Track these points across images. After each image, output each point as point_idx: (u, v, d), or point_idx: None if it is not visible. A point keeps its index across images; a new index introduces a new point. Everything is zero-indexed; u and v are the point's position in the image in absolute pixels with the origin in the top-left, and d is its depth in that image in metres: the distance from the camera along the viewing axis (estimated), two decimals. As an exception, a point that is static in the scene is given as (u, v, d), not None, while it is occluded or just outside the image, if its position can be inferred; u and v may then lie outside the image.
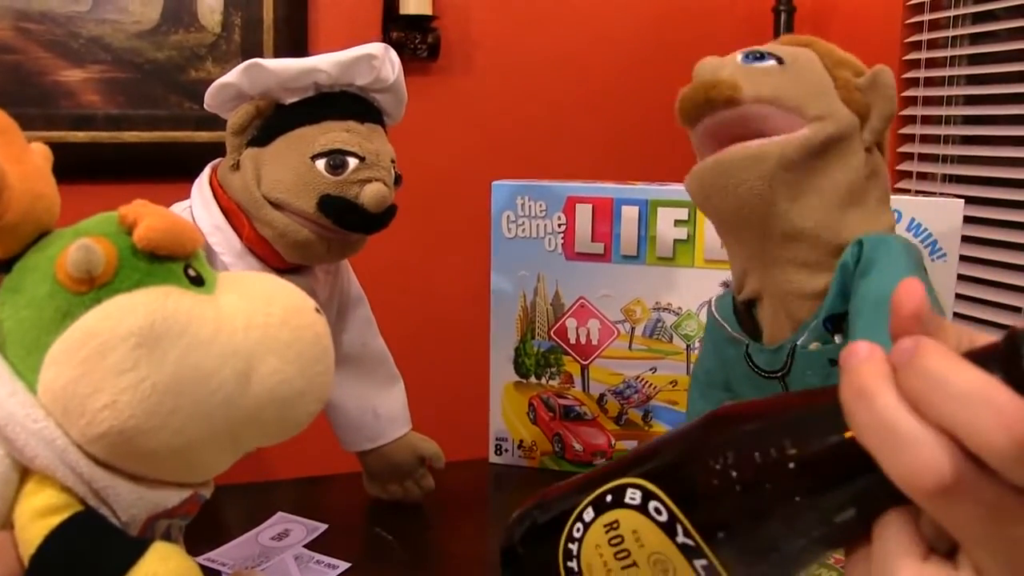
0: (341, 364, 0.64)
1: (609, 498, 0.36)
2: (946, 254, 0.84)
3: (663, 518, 0.34)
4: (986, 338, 0.29)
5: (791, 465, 0.30)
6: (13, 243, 0.46)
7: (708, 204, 0.63)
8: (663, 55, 1.71)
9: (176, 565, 0.45)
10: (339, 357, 0.53)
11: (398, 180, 0.76)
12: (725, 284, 0.89)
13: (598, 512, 0.36)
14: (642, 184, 0.95)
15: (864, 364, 0.28)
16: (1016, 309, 1.42)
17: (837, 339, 0.59)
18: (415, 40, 1.55)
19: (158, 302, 0.44)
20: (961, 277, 1.41)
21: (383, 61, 0.73)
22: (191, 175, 0.77)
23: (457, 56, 1.64)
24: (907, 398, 0.27)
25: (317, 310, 0.50)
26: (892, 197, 0.64)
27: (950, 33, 1.57)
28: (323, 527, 0.80)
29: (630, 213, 0.92)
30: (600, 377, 0.95)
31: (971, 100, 1.58)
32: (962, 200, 0.84)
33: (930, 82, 1.62)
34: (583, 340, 0.95)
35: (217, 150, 0.76)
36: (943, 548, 0.28)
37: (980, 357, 0.26)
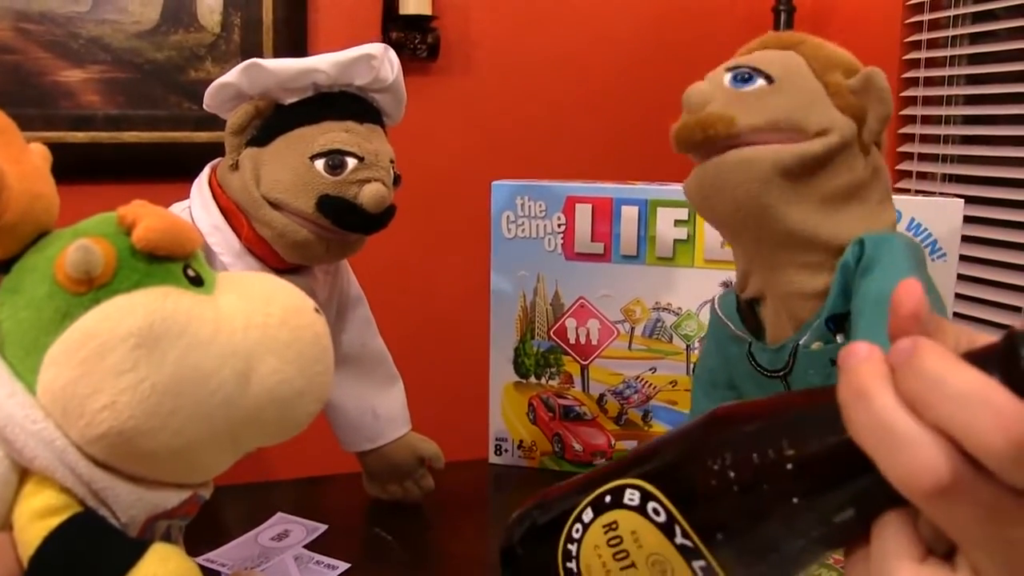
0: (340, 364, 0.64)
1: (608, 499, 0.36)
2: (946, 254, 0.84)
3: (661, 519, 0.34)
4: (985, 338, 0.29)
5: (789, 466, 0.30)
6: (12, 243, 0.46)
7: (706, 208, 0.63)
8: (663, 55, 1.71)
9: (176, 566, 0.45)
10: (338, 357, 0.53)
11: (397, 180, 0.76)
12: (725, 284, 0.89)
13: (597, 513, 0.36)
14: (642, 184, 0.95)
15: (862, 364, 0.28)
16: (1016, 309, 1.42)
17: (839, 339, 0.59)
18: (415, 40, 1.55)
19: (157, 303, 0.44)
20: (961, 277, 1.41)
21: (382, 61, 0.73)
22: (190, 175, 0.77)
23: (457, 56, 1.64)
24: (905, 399, 0.27)
25: (316, 310, 0.50)
26: (892, 197, 0.64)
27: (950, 33, 1.57)
28: (323, 528, 0.80)
29: (630, 213, 0.92)
30: (600, 377, 0.96)
31: (971, 100, 1.58)
32: (962, 200, 0.84)
33: (930, 82, 1.62)
34: (583, 340, 0.95)
35: (216, 150, 0.76)
36: (941, 549, 0.28)
37: (978, 358, 0.26)
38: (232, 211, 0.73)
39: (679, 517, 0.33)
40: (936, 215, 0.84)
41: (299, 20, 1.52)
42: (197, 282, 0.47)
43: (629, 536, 0.35)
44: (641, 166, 1.47)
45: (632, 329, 0.94)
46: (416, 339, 1.51)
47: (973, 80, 1.57)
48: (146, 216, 0.45)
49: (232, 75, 0.71)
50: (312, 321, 0.49)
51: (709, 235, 0.90)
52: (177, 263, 0.46)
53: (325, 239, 0.73)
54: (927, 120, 1.63)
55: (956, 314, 1.45)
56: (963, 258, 1.31)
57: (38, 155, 0.48)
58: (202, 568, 0.47)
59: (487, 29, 1.65)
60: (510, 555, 0.41)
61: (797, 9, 1.68)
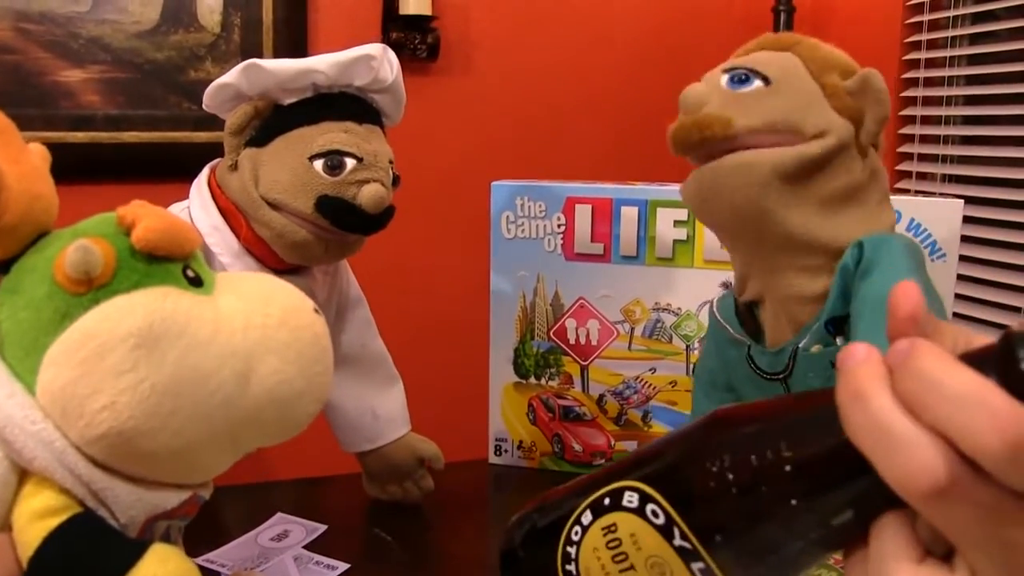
0: (340, 365, 0.64)
1: (607, 501, 0.36)
2: (946, 254, 0.84)
3: (660, 521, 0.34)
4: (984, 339, 0.29)
5: (787, 468, 0.30)
6: (11, 244, 0.46)
7: (704, 212, 0.63)
8: (662, 55, 1.71)
9: (175, 566, 0.45)
10: (338, 358, 0.53)
11: (396, 181, 0.76)
12: (725, 284, 0.89)
13: (596, 515, 0.36)
14: (641, 184, 0.95)
15: (860, 366, 0.28)
16: (1016, 309, 1.42)
17: (839, 341, 0.59)
18: (415, 40, 1.55)
19: (157, 303, 0.44)
20: (961, 277, 1.41)
21: (381, 62, 0.73)
22: (190, 175, 0.77)
23: (457, 56, 1.64)
24: (902, 400, 0.27)
25: (316, 310, 0.50)
26: (891, 198, 0.64)
27: (950, 33, 1.57)
28: (322, 528, 0.80)
29: (629, 213, 0.92)
30: (599, 378, 0.96)
31: (971, 100, 1.58)
32: (962, 201, 0.84)
33: (930, 82, 1.62)
34: (582, 341, 0.95)
35: (216, 150, 0.76)
36: (940, 551, 0.28)
37: (975, 359, 0.26)
38: (231, 211, 0.73)
39: (678, 519, 0.33)
40: (936, 216, 0.84)
41: (299, 20, 1.52)
42: (196, 282, 0.47)
43: (628, 538, 0.35)
44: (641, 166, 1.47)
45: (632, 329, 0.94)
46: (416, 340, 1.51)
47: (973, 80, 1.57)
48: (145, 216, 0.46)
49: (231, 75, 0.71)
50: (311, 321, 0.49)
51: (709, 236, 0.90)
52: (176, 263, 0.46)
53: (324, 240, 0.73)
54: (927, 120, 1.63)
55: (956, 314, 1.45)
56: (963, 258, 1.31)
57: (37, 155, 0.48)
58: (202, 568, 0.48)
59: (487, 29, 1.65)
60: (510, 558, 0.41)
61: (797, 9, 1.68)
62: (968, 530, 0.26)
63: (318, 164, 0.70)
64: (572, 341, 0.96)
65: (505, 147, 1.66)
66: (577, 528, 0.37)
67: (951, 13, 1.56)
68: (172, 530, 0.51)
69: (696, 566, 0.33)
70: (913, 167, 1.65)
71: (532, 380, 0.98)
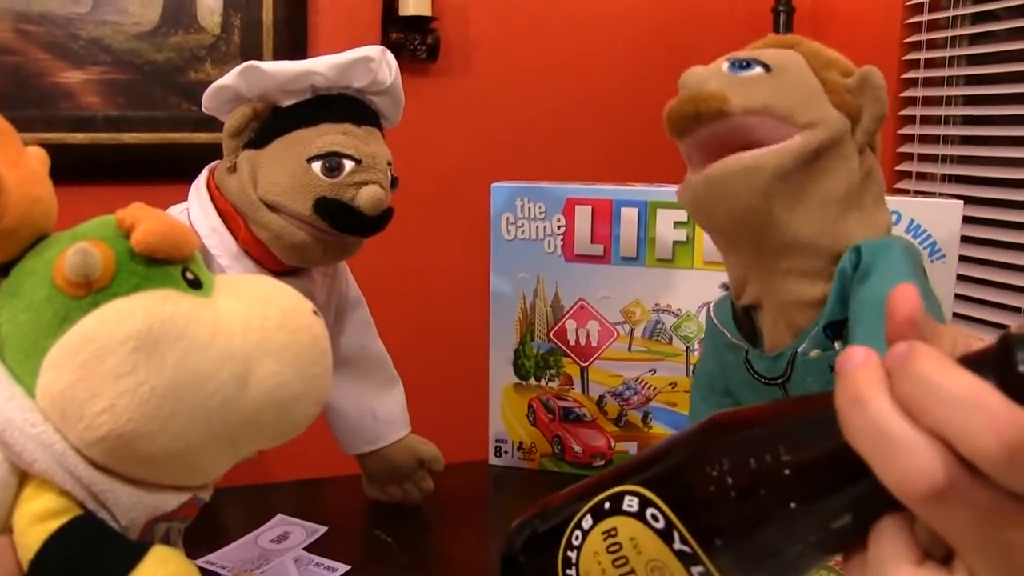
0: (340, 366, 0.64)
1: (607, 505, 0.36)
2: (945, 255, 0.84)
3: (660, 525, 0.34)
4: (983, 340, 0.29)
5: (786, 471, 0.30)
6: (10, 247, 0.46)
7: (703, 217, 0.63)
8: (662, 56, 1.71)
9: (175, 568, 0.45)
10: (337, 359, 0.53)
11: (395, 183, 0.76)
12: (724, 286, 0.89)
13: (596, 520, 0.36)
14: (641, 186, 0.95)
15: (859, 369, 0.28)
16: (1016, 309, 1.42)
17: (837, 346, 0.59)
18: (414, 41, 1.55)
19: (156, 306, 0.44)
20: (960, 277, 1.41)
21: (380, 63, 0.73)
22: (190, 177, 0.77)
23: (456, 57, 1.64)
24: (900, 403, 0.27)
25: (315, 312, 0.50)
26: (891, 198, 0.64)
27: (949, 33, 1.57)
28: (323, 529, 0.80)
29: (629, 215, 0.92)
30: (599, 379, 0.96)
31: (970, 100, 1.58)
32: (961, 201, 0.84)
33: (929, 82, 1.62)
34: (582, 342, 0.95)
35: (216, 152, 0.76)
36: (939, 554, 0.28)
37: (973, 361, 0.26)
38: (230, 213, 0.73)
39: (677, 523, 0.33)
40: (935, 216, 0.84)
41: (299, 21, 1.52)
42: (195, 285, 0.47)
43: (628, 542, 0.35)
44: (641, 168, 1.47)
45: (632, 331, 0.94)
46: (416, 341, 1.51)
47: (972, 80, 1.57)
48: (144, 219, 0.46)
49: (230, 77, 0.71)
50: (310, 323, 0.49)
51: (708, 237, 0.89)
52: (176, 266, 0.46)
53: (322, 241, 0.73)
54: (926, 120, 1.63)
55: (955, 315, 1.45)
56: (962, 259, 1.31)
57: (36, 159, 0.48)
58: (202, 570, 0.48)
59: (487, 30, 1.65)
60: (511, 563, 0.41)
61: (797, 10, 1.68)
62: (966, 532, 0.26)
63: (316, 166, 0.70)
64: (572, 342, 0.96)
65: (505, 148, 1.66)
66: (578, 533, 0.37)
67: (951, 13, 1.56)
68: (172, 532, 0.51)
69: (696, 570, 0.33)
70: (913, 167, 1.65)
71: (532, 381, 0.98)
